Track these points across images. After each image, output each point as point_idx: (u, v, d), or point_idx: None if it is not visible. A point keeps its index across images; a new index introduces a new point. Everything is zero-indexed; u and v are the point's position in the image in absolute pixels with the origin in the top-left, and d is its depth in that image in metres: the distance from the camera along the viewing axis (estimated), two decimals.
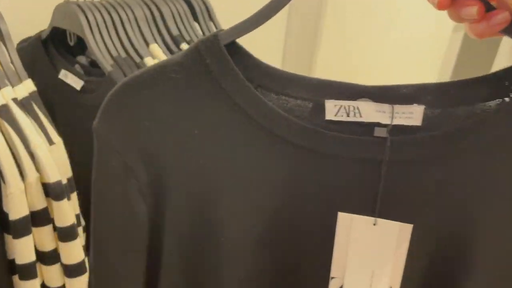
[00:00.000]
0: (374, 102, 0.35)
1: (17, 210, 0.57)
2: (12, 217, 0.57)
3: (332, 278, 0.38)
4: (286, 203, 0.37)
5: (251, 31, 0.36)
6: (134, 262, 0.43)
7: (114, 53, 0.80)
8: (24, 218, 0.58)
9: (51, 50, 0.87)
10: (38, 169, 0.60)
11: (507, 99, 0.33)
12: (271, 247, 0.39)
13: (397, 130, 0.35)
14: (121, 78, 0.76)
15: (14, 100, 0.63)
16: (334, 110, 0.36)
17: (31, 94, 0.67)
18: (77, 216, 0.69)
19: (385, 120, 0.35)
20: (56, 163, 0.63)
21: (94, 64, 0.86)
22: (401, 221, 0.35)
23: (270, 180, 0.37)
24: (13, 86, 0.66)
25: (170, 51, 0.88)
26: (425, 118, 0.35)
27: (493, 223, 0.34)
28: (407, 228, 0.35)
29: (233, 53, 0.38)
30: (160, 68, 0.38)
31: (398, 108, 0.35)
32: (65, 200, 0.61)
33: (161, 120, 0.38)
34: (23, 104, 0.65)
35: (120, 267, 0.45)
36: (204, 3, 0.97)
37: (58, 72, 0.85)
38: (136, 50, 0.82)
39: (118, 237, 0.44)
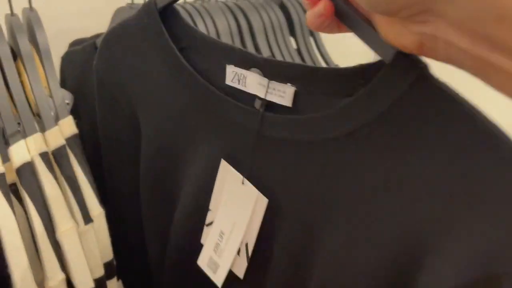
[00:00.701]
0: (261, 74, 0.37)
1: None
2: None
3: (210, 210, 0.42)
4: (186, 139, 0.43)
5: None
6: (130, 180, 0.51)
7: None
8: None
9: None
10: (63, 265, 0.42)
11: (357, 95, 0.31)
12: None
13: (274, 106, 0.36)
14: None
15: (43, 155, 0.44)
16: (231, 76, 0.39)
17: (69, 140, 0.48)
18: None
19: (262, 94, 0.37)
20: (92, 247, 0.45)
21: None
22: (265, 191, 0.38)
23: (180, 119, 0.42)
24: (45, 130, 0.47)
25: None
26: (297, 100, 0.35)
27: (341, 215, 0.33)
28: (263, 200, 0.38)
29: (168, 16, 0.43)
30: (124, 22, 0.46)
31: (274, 84, 0.36)
32: None
33: (128, 64, 0.45)
34: (56, 157, 0.46)
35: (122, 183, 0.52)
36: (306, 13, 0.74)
37: None
38: None
39: (116, 152, 0.52)
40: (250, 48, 0.68)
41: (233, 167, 0.39)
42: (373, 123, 0.30)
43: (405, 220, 0.29)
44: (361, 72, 0.31)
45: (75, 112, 0.55)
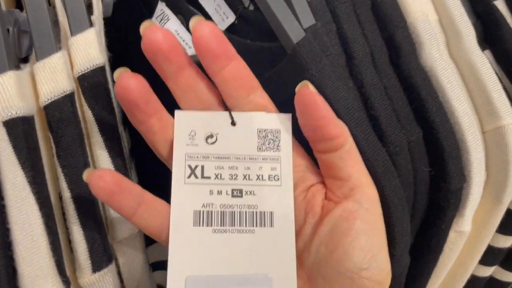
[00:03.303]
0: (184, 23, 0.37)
1: None
2: None
3: None
4: None
5: None
6: None
7: None
8: None
9: None
10: None
11: None
12: None
13: None
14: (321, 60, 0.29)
15: (14, 124, 0.21)
16: (158, 13, 0.38)
17: (84, 78, 0.24)
18: None
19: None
20: None
21: None
22: None
23: None
24: (37, 59, 0.23)
25: None
26: None
27: None
28: None
29: None
30: None
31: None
32: None
33: None
34: (52, 122, 0.23)
35: None
36: None
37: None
38: None
39: None
40: None
41: None
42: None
43: None
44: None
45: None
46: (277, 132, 0.27)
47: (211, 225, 0.25)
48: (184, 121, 0.27)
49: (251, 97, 0.27)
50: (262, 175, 0.27)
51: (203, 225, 0.25)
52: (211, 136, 0.27)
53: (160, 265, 0.41)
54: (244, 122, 0.27)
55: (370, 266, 0.24)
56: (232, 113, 0.27)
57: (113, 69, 0.28)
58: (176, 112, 0.27)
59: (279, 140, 0.27)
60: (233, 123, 0.27)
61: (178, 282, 0.24)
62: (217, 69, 0.25)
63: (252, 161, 0.27)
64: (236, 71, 0.25)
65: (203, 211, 0.26)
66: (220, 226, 0.26)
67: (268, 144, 0.27)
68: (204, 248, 0.25)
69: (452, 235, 0.33)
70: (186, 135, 0.27)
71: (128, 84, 0.23)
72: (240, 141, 0.27)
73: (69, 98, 0.24)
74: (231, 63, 0.25)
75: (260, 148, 0.27)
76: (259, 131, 0.27)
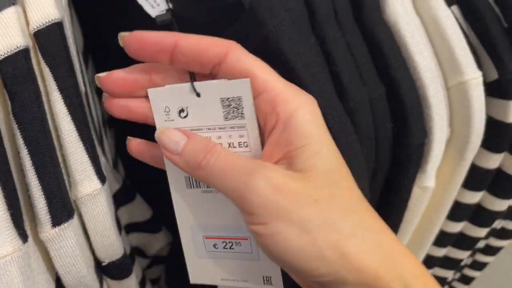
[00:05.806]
0: None
1: None
2: None
3: None
4: None
5: None
6: None
7: None
8: None
9: None
10: None
11: None
12: None
13: None
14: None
15: None
16: None
17: (43, 33, 0.24)
18: None
19: None
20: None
21: None
22: None
23: None
24: None
25: None
26: None
27: None
28: None
29: None
30: None
31: None
32: None
33: None
34: (7, 80, 0.23)
35: None
36: None
37: None
38: None
39: None
40: None
41: None
42: None
43: None
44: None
45: None
46: (239, 99, 0.26)
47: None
48: (158, 98, 0.27)
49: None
50: (232, 143, 0.27)
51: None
52: (182, 110, 0.27)
53: (135, 227, 0.42)
54: (207, 92, 0.26)
55: None
56: (195, 84, 0.26)
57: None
58: (149, 91, 0.27)
59: (242, 108, 0.26)
60: (198, 95, 0.27)
61: None
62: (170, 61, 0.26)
63: (222, 130, 0.27)
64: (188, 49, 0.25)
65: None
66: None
67: (233, 112, 0.27)
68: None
69: (416, 190, 0.34)
70: (162, 112, 0.27)
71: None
72: (208, 112, 0.27)
73: (22, 54, 0.24)
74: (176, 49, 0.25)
75: (226, 117, 0.27)
76: (222, 100, 0.26)
